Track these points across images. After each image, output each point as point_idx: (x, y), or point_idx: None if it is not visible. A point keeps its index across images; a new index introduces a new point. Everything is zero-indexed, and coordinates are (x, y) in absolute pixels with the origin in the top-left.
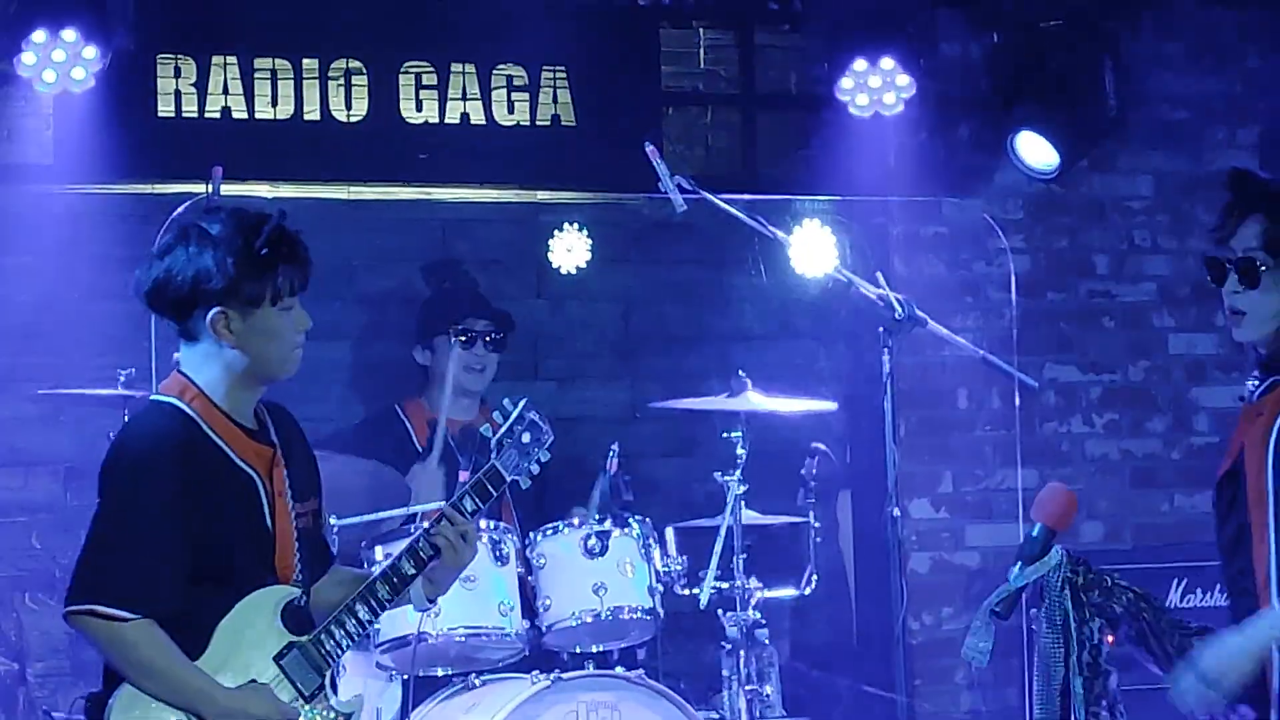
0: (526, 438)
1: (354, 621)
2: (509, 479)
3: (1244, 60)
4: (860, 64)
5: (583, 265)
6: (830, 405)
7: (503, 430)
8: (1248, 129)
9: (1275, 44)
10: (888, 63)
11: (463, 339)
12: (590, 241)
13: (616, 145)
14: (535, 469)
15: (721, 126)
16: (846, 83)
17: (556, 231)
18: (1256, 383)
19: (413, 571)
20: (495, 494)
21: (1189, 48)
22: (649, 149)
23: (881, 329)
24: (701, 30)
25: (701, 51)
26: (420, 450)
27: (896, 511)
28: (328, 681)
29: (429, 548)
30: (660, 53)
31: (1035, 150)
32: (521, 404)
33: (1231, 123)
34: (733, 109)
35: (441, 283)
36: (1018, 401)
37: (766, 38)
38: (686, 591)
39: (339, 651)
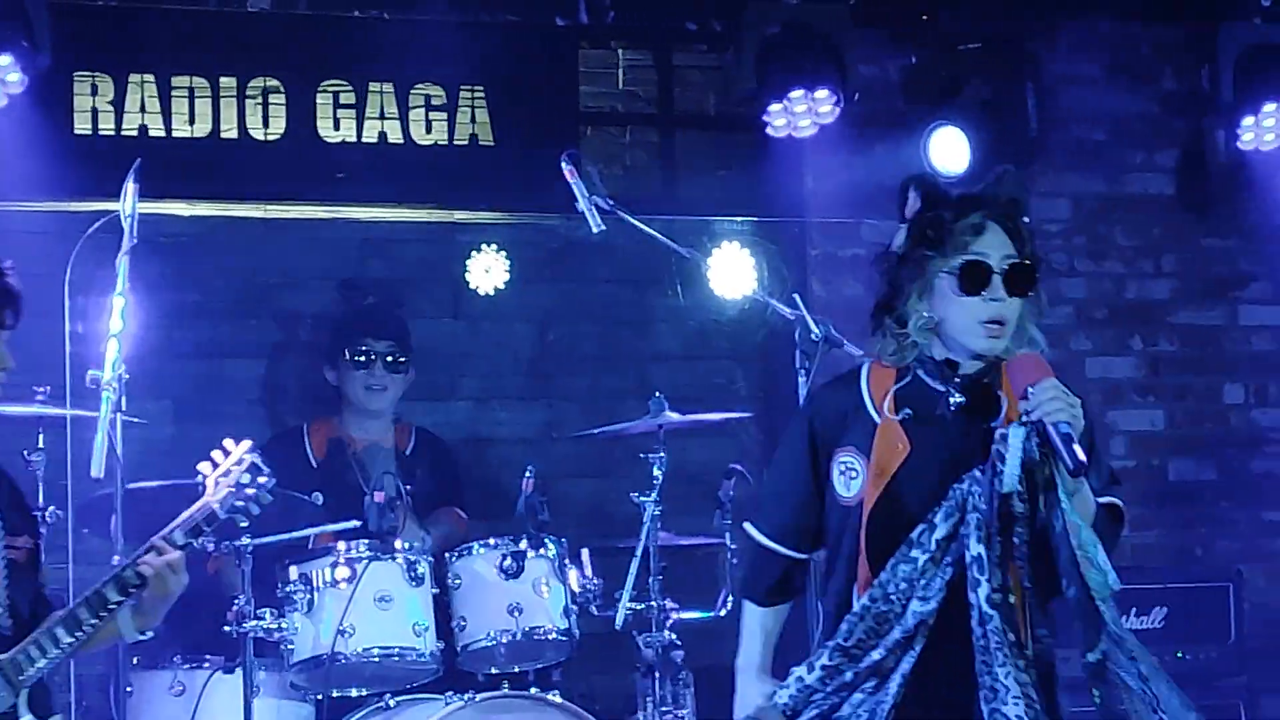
0: (246, 478)
1: (52, 643)
2: (223, 517)
3: (1161, 81)
4: (780, 85)
5: (501, 286)
6: (744, 414)
7: (218, 471)
8: (1165, 151)
9: (1192, 64)
10: (807, 84)
11: (360, 359)
12: (509, 262)
13: (534, 165)
14: (254, 509)
15: (640, 147)
16: (766, 104)
17: (474, 252)
18: None
19: (117, 598)
20: (207, 530)
21: (1106, 68)
22: (566, 168)
23: (798, 350)
24: (620, 51)
25: (620, 72)
26: (315, 468)
27: None
28: (22, 701)
29: (135, 576)
30: (579, 73)
31: (948, 150)
32: (242, 447)
33: (1149, 144)
34: (651, 129)
35: (353, 302)
36: None
37: (685, 59)
38: (601, 613)
39: (36, 672)
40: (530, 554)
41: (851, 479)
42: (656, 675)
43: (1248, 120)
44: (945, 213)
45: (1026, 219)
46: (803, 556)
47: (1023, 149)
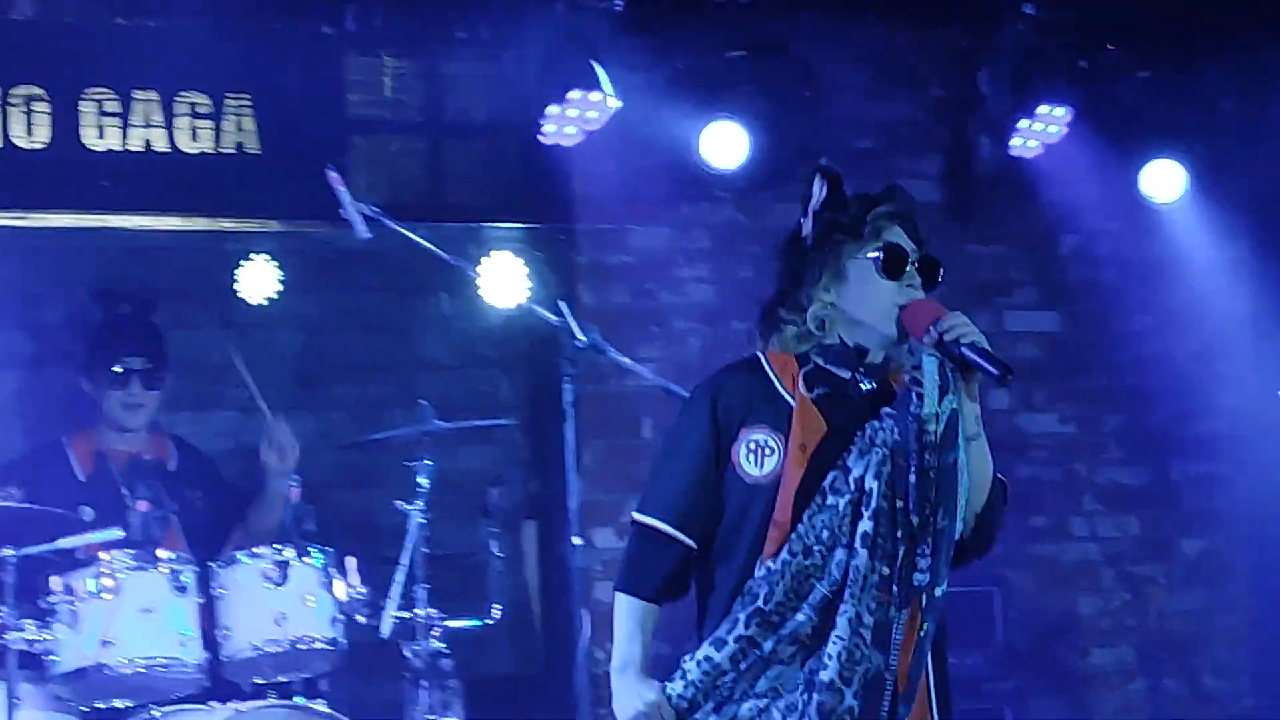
0: None
1: None
2: None
3: (928, 88)
4: (548, 93)
5: (273, 296)
6: (509, 422)
7: None
8: (931, 158)
9: (959, 72)
10: (576, 92)
11: (116, 377)
12: (280, 272)
13: (301, 173)
14: None
15: (408, 155)
16: (534, 111)
17: (244, 261)
18: None
19: None
20: None
21: (873, 76)
22: (331, 176)
23: (565, 358)
24: (388, 58)
25: (388, 79)
26: (83, 481)
27: (579, 540)
28: None
29: None
30: (346, 81)
31: (723, 145)
32: None
33: (914, 151)
34: (419, 137)
35: (109, 313)
36: None
37: (453, 66)
38: (368, 621)
39: None
40: (296, 563)
41: (766, 456)
42: (424, 684)
43: (1023, 123)
44: (854, 202)
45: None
46: (693, 545)
47: (789, 154)
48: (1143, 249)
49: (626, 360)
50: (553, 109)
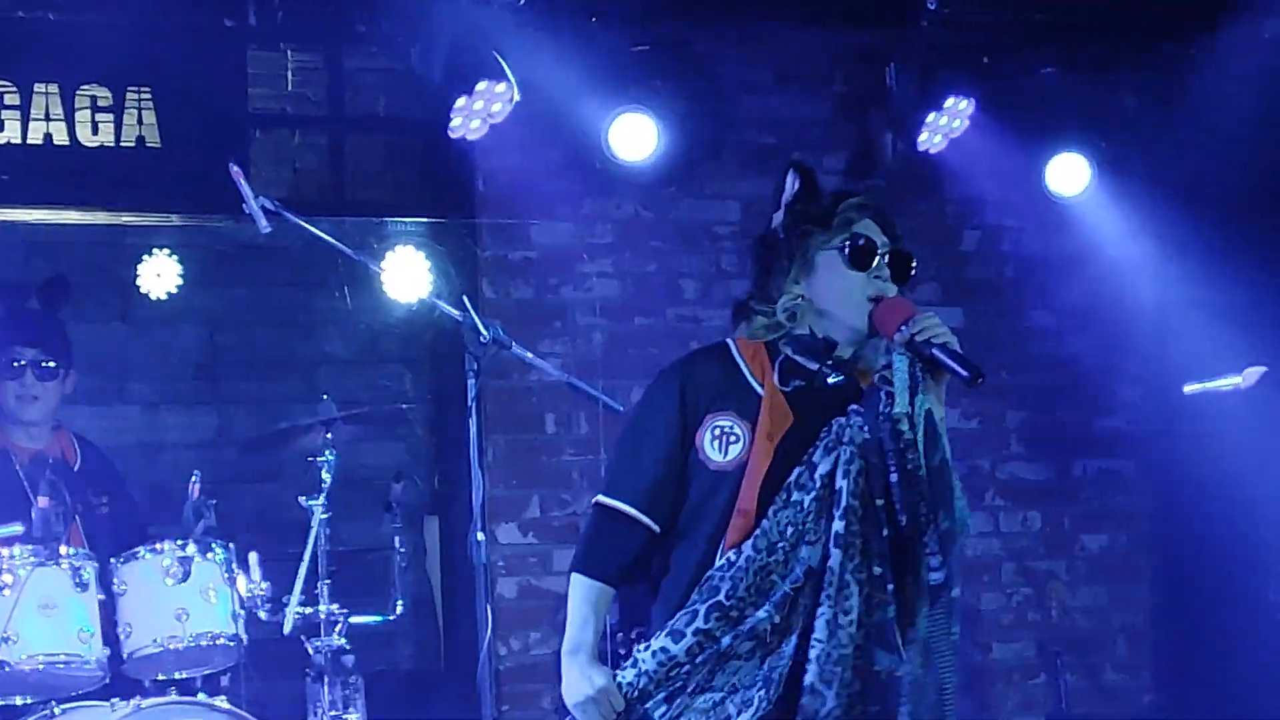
0: None
1: None
2: None
3: (832, 84)
4: (451, 87)
5: (173, 290)
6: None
7: None
8: (835, 155)
9: (863, 69)
10: (478, 86)
11: (10, 368)
12: (181, 267)
13: (203, 167)
14: None
15: (310, 149)
16: (437, 105)
17: (145, 256)
18: None
19: None
20: None
21: (778, 73)
22: (233, 170)
23: (468, 353)
24: (290, 52)
25: (290, 74)
26: None
27: (482, 536)
28: None
29: None
30: (248, 75)
31: (628, 139)
32: None
33: (819, 148)
34: (321, 132)
35: (15, 306)
36: (604, 426)
37: (355, 61)
38: (271, 617)
39: None
40: (197, 559)
41: (731, 443)
42: (326, 680)
43: (929, 118)
44: (825, 195)
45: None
46: (657, 529)
47: (695, 150)
48: (1046, 245)
49: (530, 355)
50: (460, 101)
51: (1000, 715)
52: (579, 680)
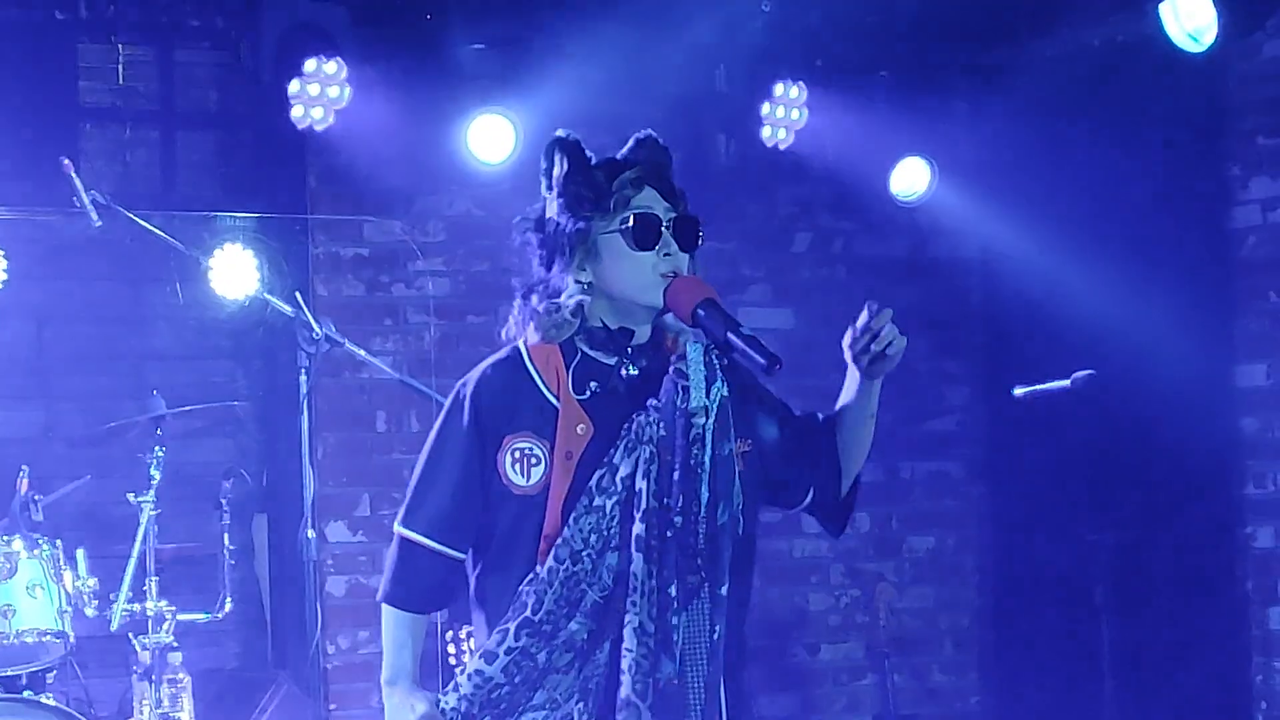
0: None
1: None
2: None
3: (666, 85)
4: (284, 83)
5: (0, 285)
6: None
7: None
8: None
9: (697, 69)
10: (311, 82)
11: None
12: (7, 261)
13: (32, 160)
14: None
15: (141, 144)
16: (270, 101)
17: None
18: None
19: None
20: None
21: (611, 72)
22: (64, 164)
23: (300, 349)
24: (121, 46)
25: (120, 68)
26: None
27: (311, 534)
28: None
29: None
30: (78, 68)
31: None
32: None
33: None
34: (153, 126)
35: None
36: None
37: (188, 55)
38: (98, 614)
39: None
40: (23, 555)
41: (532, 465)
42: (153, 678)
43: (766, 109)
44: (597, 173)
45: (674, 182)
46: (461, 556)
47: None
48: (877, 248)
49: (361, 353)
50: (293, 86)
51: (828, 716)
52: (401, 708)
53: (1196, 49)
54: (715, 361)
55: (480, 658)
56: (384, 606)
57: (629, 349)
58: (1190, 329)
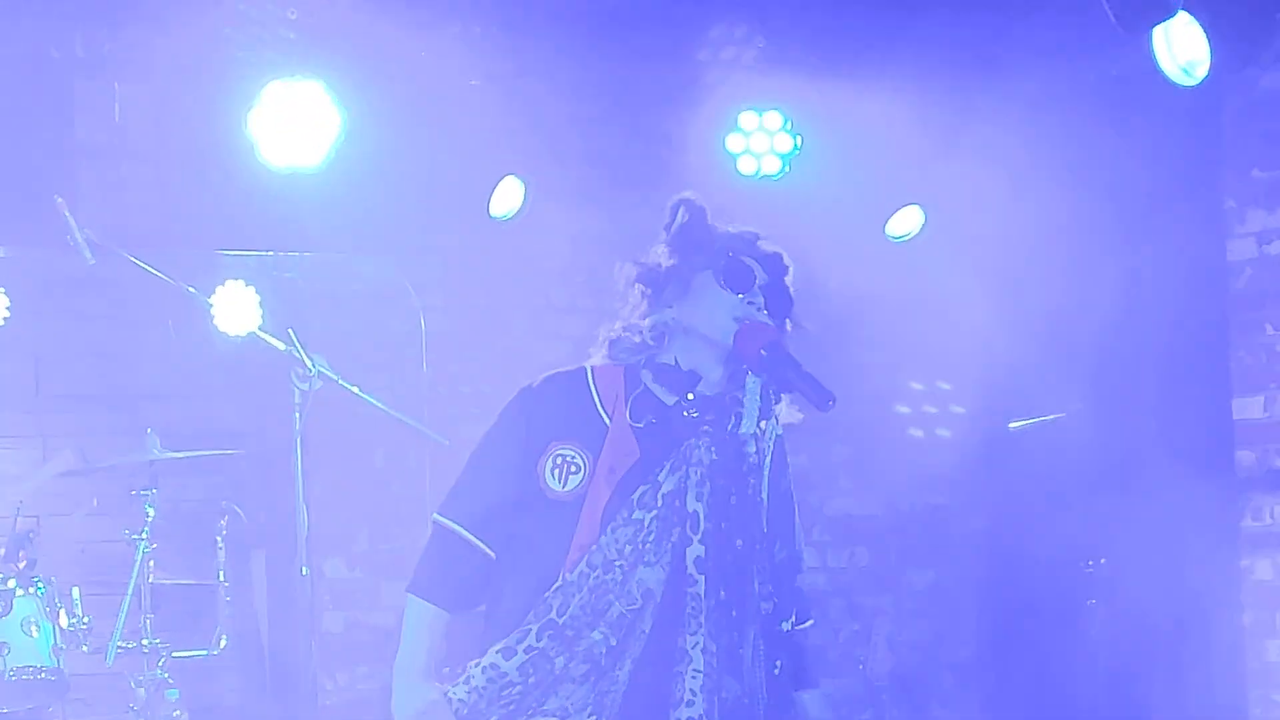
0: None
1: None
2: None
3: (651, 116)
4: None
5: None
6: (236, 451)
7: None
8: (661, 190)
9: (675, 99)
10: (305, 119)
11: None
12: (6, 299)
13: (28, 198)
14: None
15: (138, 182)
16: (256, 130)
17: None
18: None
19: None
20: None
21: (601, 109)
22: (58, 202)
23: (294, 386)
24: (117, 85)
25: (117, 105)
26: None
27: (307, 570)
28: None
29: None
30: (74, 105)
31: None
32: None
33: (644, 184)
34: (149, 164)
35: None
36: (431, 460)
37: (182, 93)
38: (93, 652)
39: None
40: (19, 592)
41: (571, 473)
42: (149, 715)
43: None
44: (719, 231)
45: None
46: (492, 554)
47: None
48: (874, 282)
49: (357, 389)
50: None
51: None
52: (408, 696)
53: (1190, 82)
54: (772, 397)
55: (498, 653)
56: (409, 598)
57: (691, 394)
58: (1186, 361)
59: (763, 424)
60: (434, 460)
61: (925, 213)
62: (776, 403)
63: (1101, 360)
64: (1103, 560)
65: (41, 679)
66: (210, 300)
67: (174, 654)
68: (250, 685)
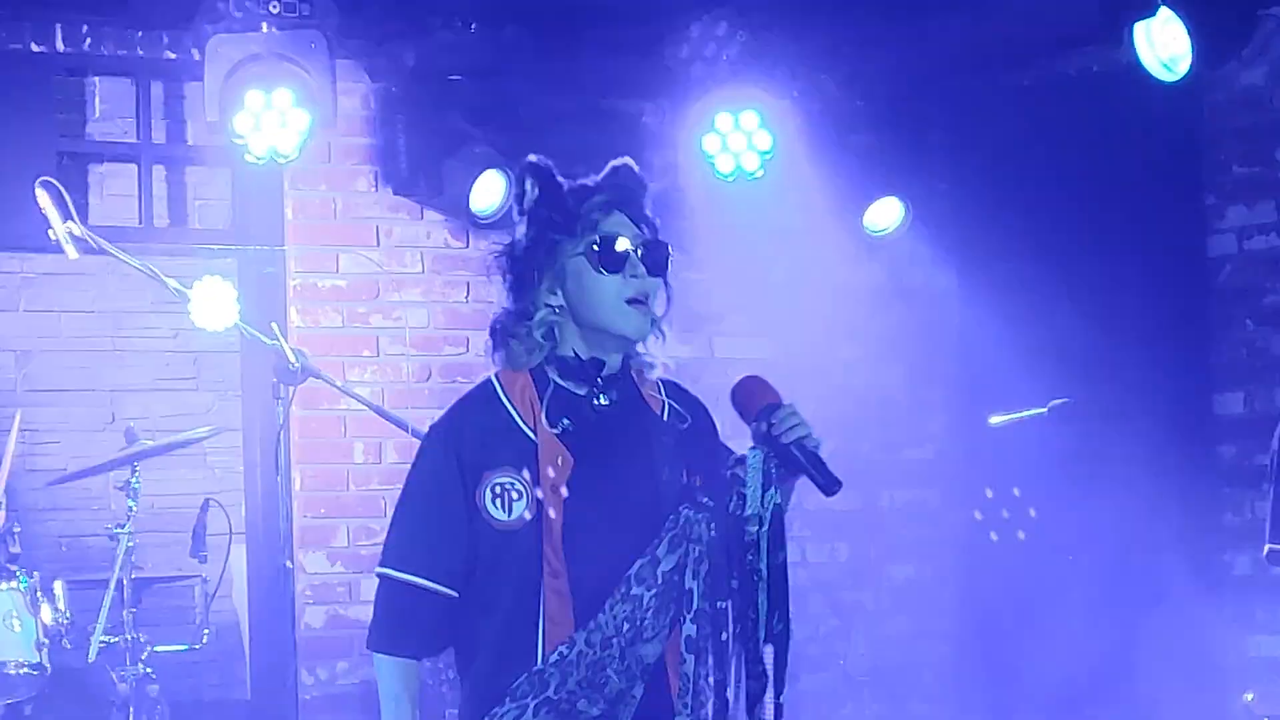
0: None
1: None
2: None
3: (641, 116)
4: (256, 114)
5: None
6: (214, 433)
7: None
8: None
9: (669, 96)
10: (284, 114)
11: None
12: None
13: (8, 194)
14: None
15: (118, 176)
16: (241, 133)
17: None
18: None
19: None
20: None
21: (586, 104)
22: (39, 197)
23: (276, 381)
24: (98, 80)
25: (97, 101)
26: None
27: (290, 564)
28: None
29: None
30: (55, 101)
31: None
32: None
33: None
34: (129, 159)
35: None
36: (412, 456)
37: (164, 88)
38: (75, 646)
39: None
40: (1, 586)
41: (513, 500)
42: (131, 709)
43: (712, 144)
44: (568, 197)
45: (648, 211)
46: (452, 594)
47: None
48: (855, 278)
49: (339, 384)
50: (255, 133)
51: None
52: None
53: (1171, 78)
54: (773, 470)
55: None
56: (376, 657)
57: (599, 379)
58: (1167, 357)
59: (765, 498)
60: (415, 455)
61: (905, 208)
62: (778, 474)
63: (1083, 356)
64: (1069, 557)
65: (23, 674)
66: (189, 294)
67: (155, 649)
68: (231, 680)
